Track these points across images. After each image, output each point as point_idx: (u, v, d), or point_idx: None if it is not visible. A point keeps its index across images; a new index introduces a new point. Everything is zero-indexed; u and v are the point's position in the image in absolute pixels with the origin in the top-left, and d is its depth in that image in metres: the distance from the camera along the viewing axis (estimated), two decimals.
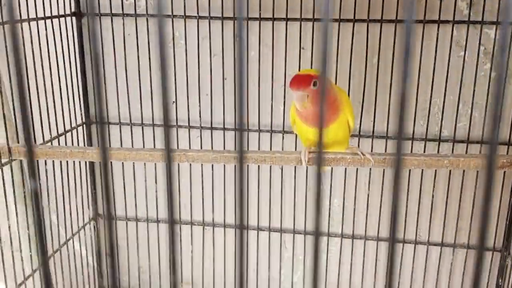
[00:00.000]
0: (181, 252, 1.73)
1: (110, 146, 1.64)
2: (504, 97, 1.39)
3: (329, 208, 1.61)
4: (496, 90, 0.33)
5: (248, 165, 1.58)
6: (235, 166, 1.56)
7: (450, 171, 1.47)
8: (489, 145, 0.33)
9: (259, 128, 1.54)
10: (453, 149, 1.44)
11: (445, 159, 1.15)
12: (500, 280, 1.52)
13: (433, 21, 1.37)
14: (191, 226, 1.70)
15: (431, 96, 1.43)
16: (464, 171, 1.47)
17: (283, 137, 1.54)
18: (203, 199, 1.65)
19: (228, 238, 1.69)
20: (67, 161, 1.55)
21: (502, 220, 1.49)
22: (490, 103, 0.33)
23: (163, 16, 0.35)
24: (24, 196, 1.36)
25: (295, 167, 1.57)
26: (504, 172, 1.45)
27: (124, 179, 1.67)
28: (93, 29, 0.36)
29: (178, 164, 1.62)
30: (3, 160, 1.23)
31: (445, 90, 1.41)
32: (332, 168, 1.56)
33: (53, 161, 1.49)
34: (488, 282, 1.56)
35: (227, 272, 1.72)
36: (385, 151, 1.46)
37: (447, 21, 1.37)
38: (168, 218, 0.37)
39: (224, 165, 1.60)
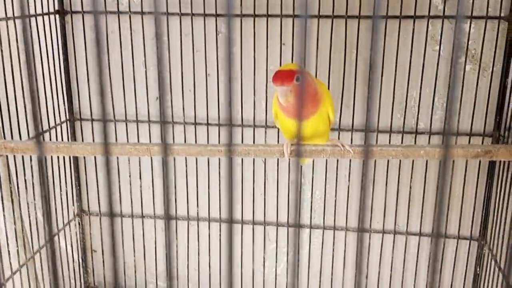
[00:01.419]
0: (165, 247, 1.76)
1: (93, 141, 1.66)
2: (477, 88, 1.44)
3: (311, 201, 1.64)
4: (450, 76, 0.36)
5: (231, 159, 1.61)
6: (219, 160, 1.59)
7: (426, 162, 1.52)
8: (445, 136, 0.37)
9: (242, 123, 1.58)
10: (429, 141, 1.49)
11: (421, 150, 1.19)
12: (477, 269, 1.57)
13: (409, 17, 1.42)
14: (176, 221, 1.72)
15: (407, 90, 1.47)
16: (440, 161, 1.51)
17: (265, 131, 1.57)
18: (187, 193, 1.68)
19: (212, 232, 1.71)
20: (51, 158, 1.56)
21: (479, 209, 1.54)
22: (449, 99, 0.36)
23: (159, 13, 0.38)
24: (11, 192, 1.38)
25: (277, 160, 1.60)
26: (480, 162, 1.50)
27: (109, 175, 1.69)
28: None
29: (162, 159, 1.64)
30: None
31: (421, 83, 1.46)
32: (313, 161, 1.60)
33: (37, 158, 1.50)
34: (466, 271, 1.61)
35: (212, 266, 1.75)
36: (364, 143, 1.50)
37: (422, 16, 1.41)
38: (165, 213, 0.40)
39: (208, 160, 1.63)
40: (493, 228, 1.44)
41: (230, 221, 0.39)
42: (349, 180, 1.59)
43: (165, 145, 0.38)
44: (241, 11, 1.48)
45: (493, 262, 1.43)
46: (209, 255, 1.73)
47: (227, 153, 0.38)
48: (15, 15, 1.35)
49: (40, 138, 1.48)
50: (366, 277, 1.68)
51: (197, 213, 1.70)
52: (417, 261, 1.62)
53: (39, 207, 1.53)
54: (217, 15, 1.50)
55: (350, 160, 1.57)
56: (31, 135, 1.44)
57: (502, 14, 1.38)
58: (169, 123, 1.61)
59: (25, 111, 1.42)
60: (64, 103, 1.62)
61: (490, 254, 1.46)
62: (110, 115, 1.63)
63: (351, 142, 1.52)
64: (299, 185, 1.62)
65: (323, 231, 1.67)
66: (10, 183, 1.37)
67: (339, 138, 1.54)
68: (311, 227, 1.67)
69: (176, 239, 1.74)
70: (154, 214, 1.72)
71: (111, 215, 0.36)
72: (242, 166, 1.62)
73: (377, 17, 0.34)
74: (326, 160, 1.59)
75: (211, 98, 1.57)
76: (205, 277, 1.77)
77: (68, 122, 1.64)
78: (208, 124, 1.59)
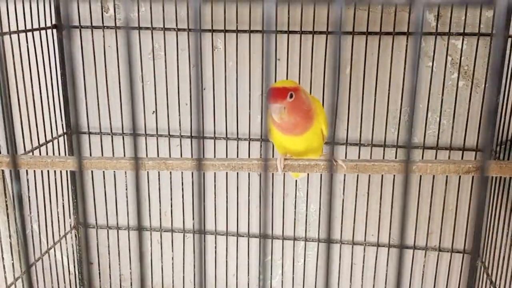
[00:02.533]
0: (162, 259, 1.77)
1: (91, 155, 1.68)
2: (470, 104, 1.45)
3: (306, 214, 1.66)
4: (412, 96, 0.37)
5: (226, 173, 1.62)
6: (215, 173, 1.61)
7: (420, 177, 1.53)
8: (406, 149, 0.38)
9: (237, 136, 1.59)
10: (423, 155, 1.51)
11: (413, 165, 1.21)
12: (471, 283, 1.58)
13: (403, 33, 1.44)
14: (172, 233, 1.73)
15: (401, 105, 1.49)
16: (434, 177, 1.53)
17: (260, 145, 1.59)
18: (183, 206, 1.69)
19: (208, 244, 1.72)
20: (48, 171, 1.57)
21: (472, 222, 1.55)
22: (410, 111, 0.37)
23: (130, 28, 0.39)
24: (6, 205, 1.39)
25: (273, 174, 1.62)
26: (473, 177, 1.52)
27: (105, 188, 1.70)
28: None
29: (159, 173, 1.66)
30: None
31: (415, 98, 1.47)
32: (308, 176, 1.61)
33: (34, 170, 1.52)
34: (459, 285, 1.62)
35: (208, 278, 1.76)
36: (358, 157, 1.51)
37: (414, 33, 1.43)
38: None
39: (204, 173, 1.64)
40: (486, 242, 1.46)
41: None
42: (343, 194, 1.61)
43: (136, 160, 0.39)
44: (237, 27, 1.50)
45: (485, 276, 1.44)
46: (204, 267, 1.74)
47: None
48: (11, 30, 1.37)
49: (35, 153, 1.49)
50: None
51: (193, 225, 1.71)
52: (411, 273, 1.63)
53: (35, 219, 1.54)
54: (213, 31, 1.51)
55: (345, 174, 1.58)
56: (27, 149, 1.45)
57: (494, 31, 1.40)
58: (165, 137, 1.62)
59: (21, 125, 1.43)
60: (61, 116, 1.63)
61: (483, 267, 1.47)
62: (107, 129, 1.64)
63: (345, 156, 1.54)
64: (282, 196, 1.63)
65: (318, 244, 1.68)
66: (5, 196, 1.38)
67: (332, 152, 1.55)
68: (306, 240, 1.68)
69: (172, 251, 1.75)
70: (150, 226, 1.73)
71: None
72: (237, 179, 1.63)
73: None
74: (321, 174, 1.60)
75: (207, 112, 1.58)
76: None
77: (65, 135, 1.65)
78: (203, 137, 1.60)
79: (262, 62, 1.51)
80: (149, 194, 1.70)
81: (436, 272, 1.62)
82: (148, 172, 1.67)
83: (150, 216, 1.72)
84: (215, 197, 1.66)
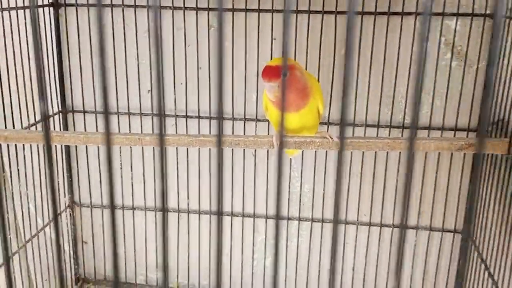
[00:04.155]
0: (156, 239, 1.78)
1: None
2: (463, 85, 1.47)
3: (300, 194, 1.67)
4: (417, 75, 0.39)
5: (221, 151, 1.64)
6: (210, 153, 1.62)
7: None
8: (410, 129, 0.39)
9: (232, 116, 1.60)
10: (416, 135, 1.52)
11: (407, 142, 1.23)
12: (461, 261, 1.61)
13: (397, 13, 1.45)
14: (166, 213, 1.74)
15: (395, 85, 1.51)
16: (426, 157, 1.55)
17: (256, 124, 1.60)
18: (178, 185, 1.70)
19: (202, 224, 1.74)
20: (43, 148, 1.58)
21: (463, 202, 1.58)
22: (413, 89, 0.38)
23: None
24: (4, 181, 1.39)
25: (267, 153, 1.63)
26: (464, 156, 1.54)
27: (99, 167, 1.71)
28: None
29: (154, 149, 1.67)
30: None
31: (408, 79, 1.49)
32: (302, 155, 1.63)
33: (31, 148, 1.52)
34: (450, 263, 1.64)
35: (201, 258, 1.77)
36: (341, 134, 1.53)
37: (409, 13, 1.45)
38: (162, 206, 0.42)
39: (199, 153, 1.65)
40: (477, 221, 1.48)
41: (219, 212, 0.41)
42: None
43: (160, 135, 0.39)
44: (233, 6, 1.50)
45: (476, 254, 1.47)
46: (199, 247, 1.76)
47: (217, 143, 0.40)
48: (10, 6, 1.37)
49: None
50: (353, 269, 1.71)
51: (188, 205, 1.72)
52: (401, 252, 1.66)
53: (31, 197, 1.55)
54: (209, 9, 1.52)
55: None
56: (23, 127, 1.45)
57: (488, 12, 1.42)
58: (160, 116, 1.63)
59: (19, 103, 1.43)
60: (57, 95, 1.63)
61: (473, 246, 1.50)
62: (101, 108, 1.65)
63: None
64: (280, 176, 1.65)
65: (312, 224, 1.70)
66: (3, 172, 1.39)
67: (328, 131, 1.57)
68: (299, 219, 1.70)
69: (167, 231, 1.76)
70: (145, 206, 1.74)
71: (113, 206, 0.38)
72: (232, 159, 1.65)
73: (352, 14, 0.37)
74: (315, 153, 1.62)
75: (203, 91, 1.59)
76: (194, 269, 1.79)
77: (60, 114, 1.66)
78: (199, 117, 1.61)
79: (258, 41, 1.52)
80: (144, 173, 1.71)
81: (427, 251, 1.64)
82: (143, 148, 1.68)
83: (145, 197, 1.73)
84: (210, 177, 1.67)
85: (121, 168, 1.70)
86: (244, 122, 1.61)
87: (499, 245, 1.30)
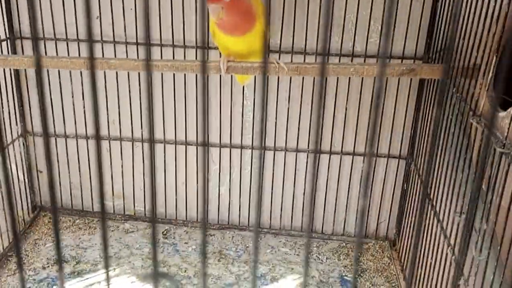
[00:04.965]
0: (111, 166, 1.80)
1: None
2: (410, 12, 1.49)
3: (253, 123, 1.70)
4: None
5: (174, 81, 1.64)
6: (162, 81, 1.62)
7: (361, 84, 1.59)
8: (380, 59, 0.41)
9: (172, 43, 1.60)
10: (365, 63, 1.55)
11: (351, 67, 1.26)
12: (405, 185, 1.68)
13: None
14: (121, 142, 1.76)
15: (345, 13, 1.52)
16: (373, 84, 1.58)
17: (196, 52, 1.60)
18: (131, 114, 1.71)
19: (158, 152, 1.76)
20: None
21: (408, 129, 1.64)
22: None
23: None
24: None
25: (220, 81, 1.64)
26: (410, 84, 1.58)
27: (51, 95, 1.70)
28: None
29: (105, 80, 1.66)
30: None
31: (358, 6, 1.51)
32: (255, 84, 1.64)
33: None
34: (394, 188, 1.72)
35: (157, 187, 1.81)
36: None
37: None
38: (151, 138, 0.44)
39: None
40: (419, 147, 1.54)
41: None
42: (289, 103, 1.65)
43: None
44: None
45: (417, 177, 1.54)
46: (154, 175, 1.79)
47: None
48: None
49: None
50: (303, 194, 1.77)
51: (141, 134, 1.74)
52: (350, 178, 1.72)
53: None
54: None
55: (290, 82, 1.62)
56: None
57: None
58: (110, 43, 1.61)
59: None
60: (3, 20, 1.59)
61: (415, 170, 1.57)
62: (51, 34, 1.62)
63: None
64: (230, 105, 1.67)
65: (263, 152, 1.74)
66: None
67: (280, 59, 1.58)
68: (252, 148, 1.74)
69: (121, 159, 1.78)
70: (104, 134, 1.75)
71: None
72: (184, 86, 1.65)
73: None
74: (268, 80, 1.63)
75: (153, 18, 1.58)
76: (149, 196, 1.82)
77: (8, 40, 1.62)
78: (149, 44, 1.60)
79: None
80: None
81: (373, 176, 1.71)
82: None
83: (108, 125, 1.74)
84: (163, 106, 1.68)
85: (72, 97, 1.69)
86: (184, 50, 1.60)
87: (438, 166, 1.36)
